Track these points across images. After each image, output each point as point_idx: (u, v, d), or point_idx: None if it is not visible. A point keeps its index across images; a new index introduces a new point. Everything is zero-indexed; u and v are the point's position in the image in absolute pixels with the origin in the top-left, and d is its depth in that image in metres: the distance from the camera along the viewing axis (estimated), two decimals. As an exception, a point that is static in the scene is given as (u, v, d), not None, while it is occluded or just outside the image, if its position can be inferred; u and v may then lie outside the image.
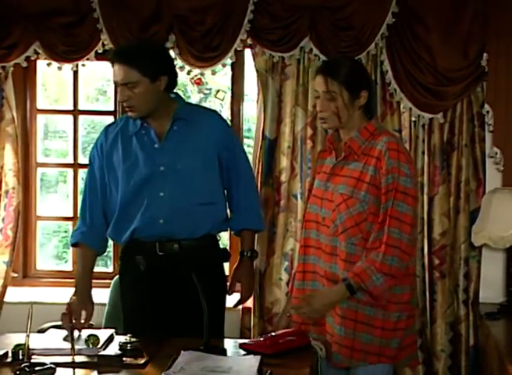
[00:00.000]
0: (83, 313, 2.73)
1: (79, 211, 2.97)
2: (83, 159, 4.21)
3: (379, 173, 2.53)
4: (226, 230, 3.13)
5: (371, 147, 2.59)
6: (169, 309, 2.82)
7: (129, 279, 2.95)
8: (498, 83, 3.76)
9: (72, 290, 2.84)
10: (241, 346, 2.51)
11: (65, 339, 2.56)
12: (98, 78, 5.29)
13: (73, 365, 2.32)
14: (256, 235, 3.15)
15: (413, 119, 3.86)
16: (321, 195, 2.67)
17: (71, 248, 3.72)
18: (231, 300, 3.06)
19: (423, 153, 3.86)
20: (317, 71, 2.68)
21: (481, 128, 3.85)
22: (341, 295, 2.53)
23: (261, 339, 2.52)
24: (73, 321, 2.67)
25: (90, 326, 2.75)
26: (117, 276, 3.55)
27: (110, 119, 4.17)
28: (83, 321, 2.71)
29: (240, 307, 3.87)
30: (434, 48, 3.79)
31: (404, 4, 3.79)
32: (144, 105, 2.78)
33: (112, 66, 2.79)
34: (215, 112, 3.07)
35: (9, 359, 2.38)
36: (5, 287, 4.08)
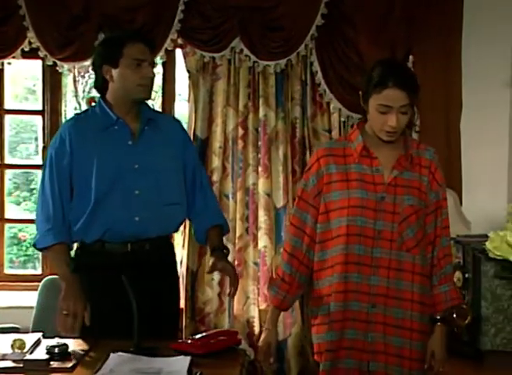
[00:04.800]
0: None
1: (44, 210, 2.74)
2: (11, 160, 4.10)
3: (431, 185, 2.49)
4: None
5: (416, 156, 2.52)
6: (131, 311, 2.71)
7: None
8: (424, 84, 3.82)
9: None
10: (172, 347, 2.50)
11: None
12: (27, 77, 5.18)
13: (-2, 370, 2.28)
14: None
15: (342, 119, 3.92)
16: (373, 206, 2.43)
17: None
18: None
19: (352, 153, 3.91)
20: (389, 84, 2.40)
21: (409, 128, 3.92)
22: (443, 334, 2.50)
23: (193, 339, 2.50)
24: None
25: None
26: (46, 279, 3.49)
27: (38, 118, 4.12)
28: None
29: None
30: (362, 49, 3.85)
31: (334, 6, 3.85)
32: None
33: (130, 45, 2.77)
34: (171, 115, 3.09)
35: None
36: None
